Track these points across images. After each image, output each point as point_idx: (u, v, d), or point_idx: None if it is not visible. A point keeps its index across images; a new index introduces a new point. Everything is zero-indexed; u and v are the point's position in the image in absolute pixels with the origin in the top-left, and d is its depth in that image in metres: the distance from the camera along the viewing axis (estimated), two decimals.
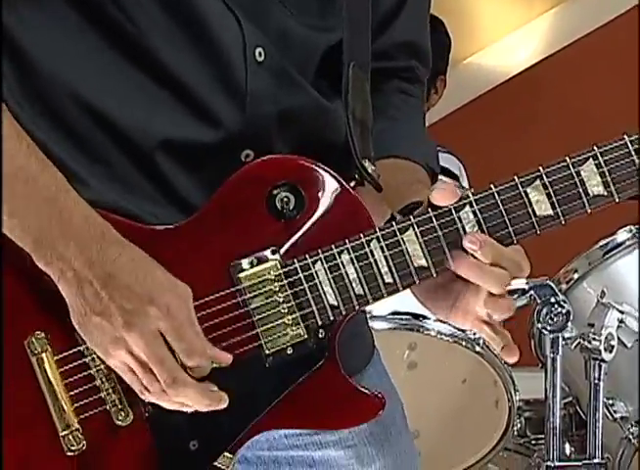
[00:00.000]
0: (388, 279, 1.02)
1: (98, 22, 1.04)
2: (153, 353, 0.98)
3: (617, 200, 1.03)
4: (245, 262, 1.03)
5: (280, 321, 1.03)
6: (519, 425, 2.29)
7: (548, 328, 1.96)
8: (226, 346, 1.01)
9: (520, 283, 2.07)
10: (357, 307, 1.03)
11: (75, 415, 1.02)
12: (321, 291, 1.03)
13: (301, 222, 1.05)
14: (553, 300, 1.95)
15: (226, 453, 1.04)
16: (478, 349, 2.05)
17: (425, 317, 2.01)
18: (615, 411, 2.12)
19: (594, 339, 1.96)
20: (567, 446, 2.17)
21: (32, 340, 1.02)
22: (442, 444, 2.26)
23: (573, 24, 3.81)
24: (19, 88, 1.04)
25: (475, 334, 2.04)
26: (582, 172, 1.02)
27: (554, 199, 1.02)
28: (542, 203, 1.02)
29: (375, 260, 1.02)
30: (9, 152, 0.98)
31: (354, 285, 1.03)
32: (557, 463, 1.99)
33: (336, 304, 1.03)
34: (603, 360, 1.95)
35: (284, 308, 1.04)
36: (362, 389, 1.07)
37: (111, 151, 1.05)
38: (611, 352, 1.95)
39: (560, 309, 1.94)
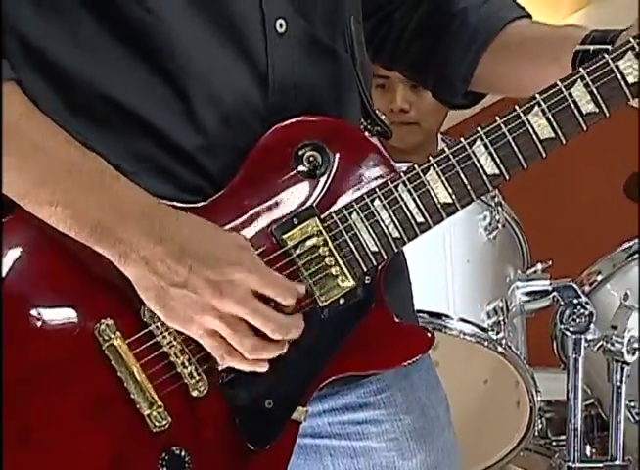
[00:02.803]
0: (420, 219, 1.08)
1: (114, 18, 1.04)
2: (252, 311, 1.01)
3: (606, 114, 1.08)
4: (286, 223, 1.07)
5: (328, 274, 1.07)
6: (540, 426, 2.28)
7: (571, 329, 1.97)
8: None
9: (543, 284, 2.09)
10: (396, 249, 1.08)
11: (156, 393, 1.04)
12: (361, 239, 1.07)
13: (331, 177, 1.08)
14: (576, 301, 1.97)
15: (299, 407, 1.08)
16: (500, 349, 2.02)
17: (447, 316, 1.99)
18: (637, 414, 2.11)
19: (617, 341, 1.95)
20: (588, 447, 2.18)
21: (102, 328, 1.03)
22: (463, 443, 2.24)
23: (601, 26, 3.81)
24: (57, 99, 1.04)
25: (497, 333, 2.03)
26: (574, 93, 1.07)
27: (553, 122, 1.07)
28: (544, 127, 1.07)
29: (405, 203, 1.07)
30: (48, 145, 1.00)
31: (390, 229, 1.07)
32: (578, 465, 2.00)
33: (376, 249, 1.07)
34: (626, 363, 1.95)
35: (330, 261, 1.07)
36: (411, 325, 1.15)
37: (155, 151, 1.06)
38: (634, 354, 1.95)
39: (583, 311, 1.96)
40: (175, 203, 1.05)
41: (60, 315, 1.03)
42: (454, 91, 1.27)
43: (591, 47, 1.14)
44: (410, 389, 1.20)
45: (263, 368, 1.05)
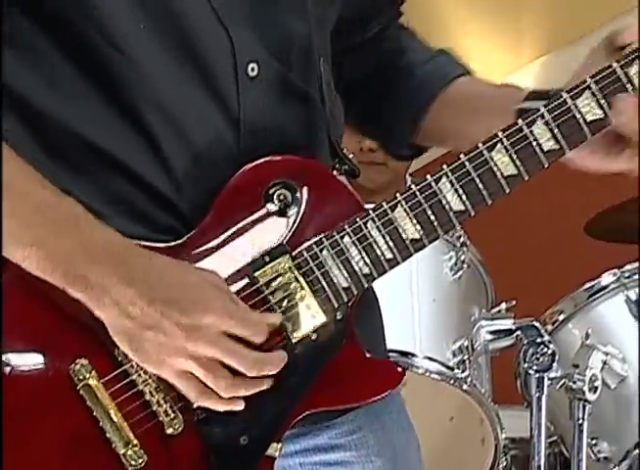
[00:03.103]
0: (389, 255, 1.08)
1: (88, 60, 1.05)
2: (225, 351, 1.01)
3: (566, 151, 1.10)
4: (257, 261, 1.07)
5: (300, 310, 1.07)
6: (504, 463, 2.27)
7: (534, 368, 1.98)
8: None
9: (507, 323, 2.10)
10: (366, 285, 1.09)
11: (132, 431, 1.03)
12: (332, 275, 1.08)
13: (301, 215, 1.09)
14: (539, 340, 1.97)
15: (274, 443, 1.08)
16: (465, 387, 2.03)
17: (413, 355, 2.00)
18: (598, 451, 2.12)
19: (579, 379, 1.98)
20: None
21: (77, 368, 1.02)
22: None
23: (562, 73, 3.88)
24: (33, 142, 1.05)
25: (463, 372, 2.04)
26: (535, 131, 1.09)
27: (515, 159, 1.09)
28: (507, 164, 1.09)
29: (374, 240, 1.08)
30: (24, 189, 1.00)
31: (360, 265, 1.08)
32: None
33: (347, 285, 1.08)
34: (587, 401, 1.98)
35: (302, 297, 1.08)
36: (382, 359, 1.14)
37: (128, 192, 1.06)
38: (595, 392, 1.97)
39: (545, 350, 1.96)
40: (148, 243, 1.05)
41: (35, 357, 1.03)
42: (400, 143, 1.29)
43: (532, 105, 1.14)
44: (382, 431, 1.19)
45: (239, 406, 1.04)
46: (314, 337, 1.08)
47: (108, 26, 1.03)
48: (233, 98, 1.08)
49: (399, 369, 1.12)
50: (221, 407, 1.04)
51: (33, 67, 1.04)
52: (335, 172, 1.15)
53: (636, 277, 2.19)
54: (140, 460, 1.04)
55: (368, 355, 1.11)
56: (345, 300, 1.09)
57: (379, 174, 2.41)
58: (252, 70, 1.08)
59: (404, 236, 1.08)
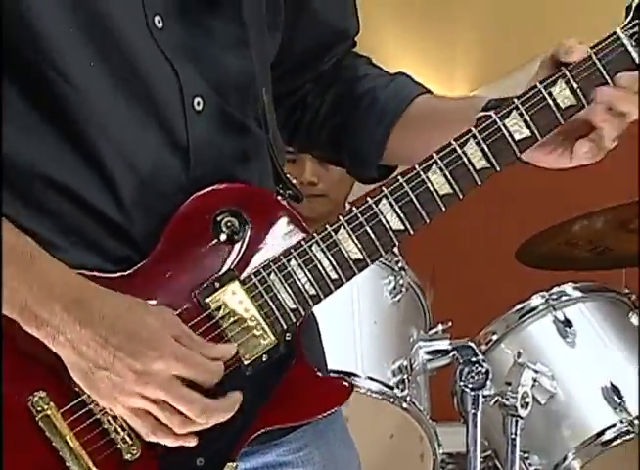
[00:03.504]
0: (334, 276, 1.10)
1: (41, 94, 1.05)
2: (175, 397, 1.01)
3: (497, 169, 1.12)
4: (208, 288, 1.08)
5: (251, 333, 1.08)
6: None
7: (469, 386, 1.97)
8: None
9: (443, 344, 2.09)
10: (313, 306, 1.11)
11: (91, 459, 1.04)
12: (280, 298, 1.09)
13: (248, 240, 1.10)
14: (473, 359, 1.99)
15: (229, 463, 1.09)
16: (404, 405, 2.05)
17: (355, 375, 2.00)
18: (530, 464, 2.14)
19: (511, 396, 1.97)
20: None
21: (35, 400, 1.02)
22: None
23: None
24: None
25: (402, 391, 2.05)
26: (467, 151, 1.12)
27: (450, 178, 1.11)
28: (442, 184, 1.11)
29: (319, 262, 1.09)
30: None
31: (307, 287, 1.10)
32: None
33: (295, 307, 1.09)
34: (519, 417, 1.97)
35: (252, 321, 1.08)
36: (330, 377, 1.16)
37: (83, 223, 1.07)
38: (526, 408, 1.96)
39: (480, 369, 1.98)
40: (102, 274, 1.05)
41: None
42: (368, 166, 1.30)
43: (492, 112, 1.15)
44: (326, 447, 1.21)
45: (192, 443, 1.04)
46: (265, 358, 1.09)
47: (58, 61, 1.04)
48: (181, 130, 1.09)
49: (346, 383, 1.14)
50: (174, 443, 1.04)
51: None
52: (279, 197, 1.16)
53: (563, 298, 2.24)
54: None
55: (318, 374, 1.13)
56: (294, 321, 1.10)
57: (320, 205, 2.43)
58: (198, 103, 1.10)
59: (348, 257, 1.10)
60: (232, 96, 1.14)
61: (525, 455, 2.13)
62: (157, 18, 1.08)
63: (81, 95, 1.05)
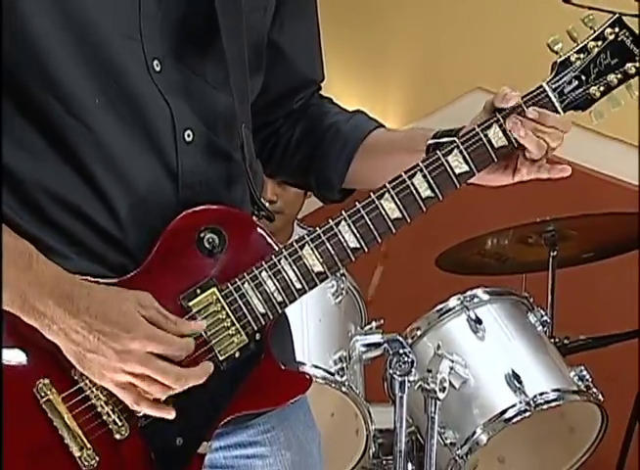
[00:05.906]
0: (299, 286, 1.18)
1: (47, 125, 1.12)
2: (153, 370, 1.10)
3: (440, 198, 1.20)
4: (191, 293, 1.16)
5: (226, 333, 1.16)
6: (373, 449, 2.39)
7: (397, 373, 2.13)
8: (191, 360, 1.14)
9: (376, 338, 2.25)
10: (280, 311, 1.19)
11: (86, 438, 1.13)
12: (252, 304, 1.17)
13: (227, 254, 1.17)
14: (401, 351, 2.14)
15: (204, 442, 1.19)
16: (343, 389, 2.21)
17: (303, 363, 2.14)
18: (446, 438, 2.29)
19: (432, 382, 2.13)
20: (409, 465, 2.33)
21: (40, 386, 1.12)
22: None
23: None
24: (10, 197, 1.12)
25: (342, 377, 2.20)
26: (415, 182, 1.20)
27: (400, 205, 1.20)
28: (393, 209, 1.20)
29: (286, 273, 1.17)
30: None
31: (275, 295, 1.18)
32: None
33: (264, 311, 1.18)
34: (438, 398, 2.13)
35: (227, 323, 1.17)
36: (293, 371, 1.24)
37: (84, 234, 1.15)
38: (443, 392, 2.13)
39: (406, 359, 2.14)
40: (103, 280, 1.12)
41: (5, 378, 1.11)
42: (332, 188, 1.39)
43: (442, 140, 1.25)
44: (290, 429, 1.29)
45: (171, 415, 1.12)
46: (237, 355, 1.17)
47: (65, 97, 1.12)
48: (173, 158, 1.17)
49: (307, 376, 1.23)
50: (155, 412, 1.12)
51: (6, 133, 1.12)
52: (254, 218, 1.25)
53: (475, 300, 2.38)
54: (93, 462, 1.13)
55: (283, 368, 1.21)
56: (263, 323, 1.18)
57: (277, 220, 2.58)
58: (189, 135, 1.18)
59: (311, 270, 1.18)
60: (219, 128, 1.21)
61: (442, 431, 2.27)
62: (155, 62, 1.17)
63: (85, 127, 1.12)
